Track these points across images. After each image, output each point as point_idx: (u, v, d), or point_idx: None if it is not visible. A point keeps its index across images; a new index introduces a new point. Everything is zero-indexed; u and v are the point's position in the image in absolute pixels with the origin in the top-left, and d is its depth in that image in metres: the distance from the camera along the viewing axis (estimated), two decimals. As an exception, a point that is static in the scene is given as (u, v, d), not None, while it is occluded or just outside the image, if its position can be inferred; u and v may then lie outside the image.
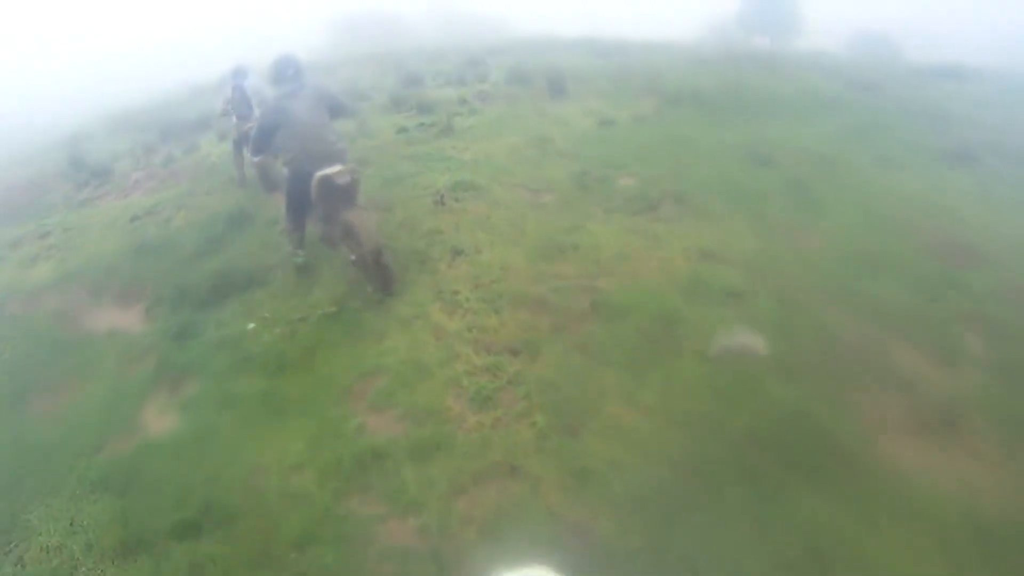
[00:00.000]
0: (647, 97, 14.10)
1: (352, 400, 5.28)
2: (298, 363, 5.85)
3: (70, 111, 26.71)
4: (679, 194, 8.55)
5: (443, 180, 9.26)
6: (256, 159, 6.72)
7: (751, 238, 7.47)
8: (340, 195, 5.83)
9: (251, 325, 6.64)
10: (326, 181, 5.69)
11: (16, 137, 24.52)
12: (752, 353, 5.43)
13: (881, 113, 13.63)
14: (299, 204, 6.26)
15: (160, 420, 5.56)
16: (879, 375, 5.10)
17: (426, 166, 10.19)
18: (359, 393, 5.34)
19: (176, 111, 19.52)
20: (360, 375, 5.53)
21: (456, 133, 12.06)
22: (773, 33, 33.53)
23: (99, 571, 4.16)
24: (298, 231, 6.70)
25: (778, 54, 22.68)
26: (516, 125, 12.47)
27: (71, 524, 4.60)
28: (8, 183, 16.34)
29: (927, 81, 18.40)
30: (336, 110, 6.20)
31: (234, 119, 10.35)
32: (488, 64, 19.44)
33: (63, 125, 23.00)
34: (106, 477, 4.95)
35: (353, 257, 6.15)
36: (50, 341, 7.26)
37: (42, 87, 33.63)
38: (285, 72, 5.92)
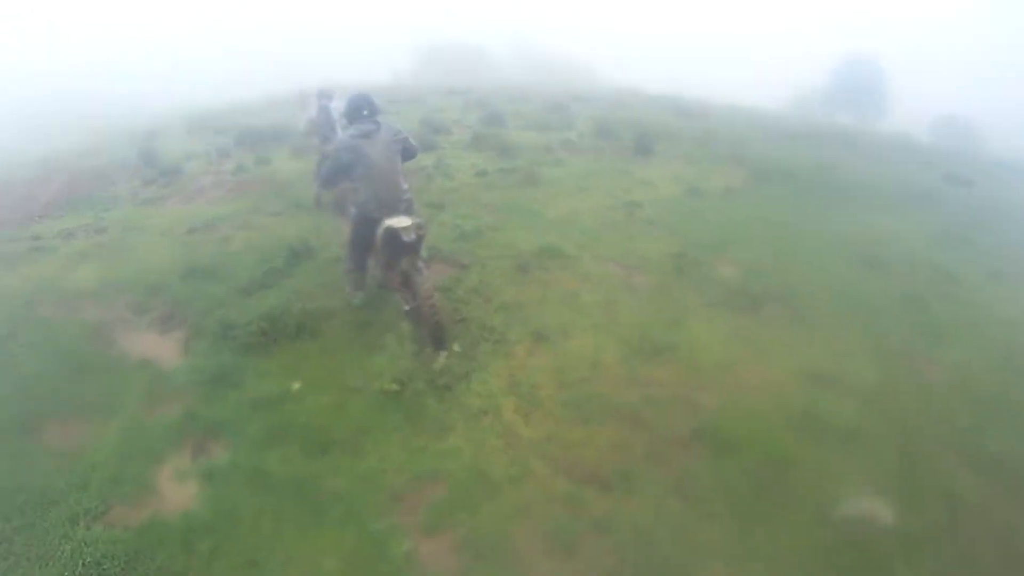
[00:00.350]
0: (734, 167, 13.31)
1: (403, 511, 4.39)
2: (345, 445, 5.01)
3: (151, 104, 26.76)
4: (784, 293, 7.67)
5: (526, 241, 8.45)
6: (319, 192, 6.87)
7: (867, 362, 6.50)
8: (404, 248, 5.69)
9: (296, 385, 5.84)
10: (392, 234, 5.59)
11: (92, 123, 24.58)
12: (877, 523, 4.53)
13: (979, 212, 12.83)
14: (363, 246, 6.16)
15: (177, 489, 4.74)
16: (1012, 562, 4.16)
17: (507, 219, 9.46)
18: (411, 503, 4.45)
19: (252, 119, 19.22)
20: (414, 478, 4.66)
21: (539, 184, 11.36)
22: (858, 111, 32.56)
23: None
24: (359, 271, 6.55)
25: (864, 134, 21.61)
26: (602, 183, 11.79)
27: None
28: (77, 169, 16.08)
29: (1017, 177, 17.41)
30: (406, 154, 6.08)
31: (317, 140, 10.41)
32: (572, 111, 18.83)
33: (141, 117, 22.94)
34: (102, 560, 4.11)
35: (407, 307, 6.02)
36: (77, 359, 6.53)
37: (126, 76, 34.04)
38: (359, 111, 5.82)
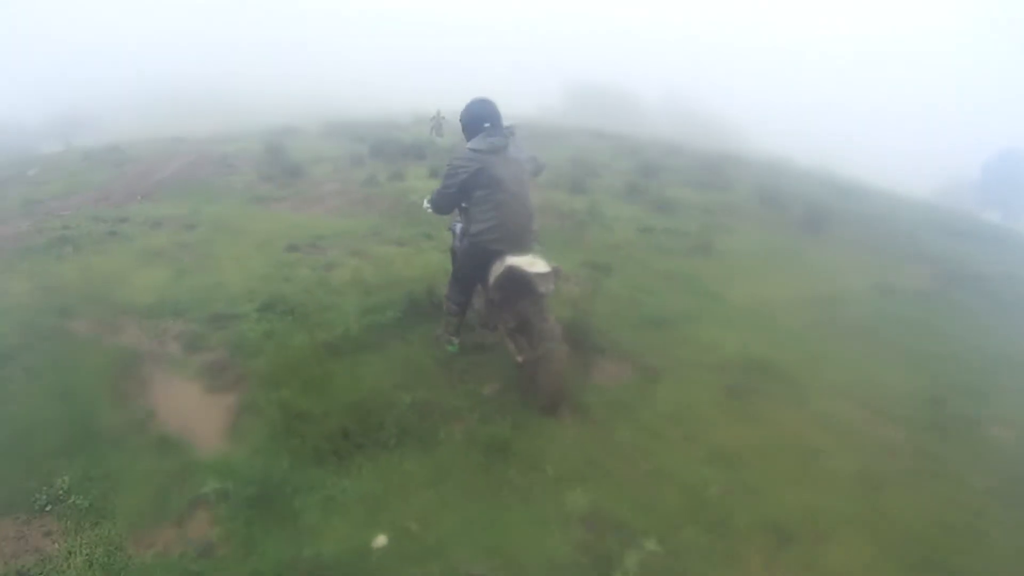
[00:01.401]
0: (916, 264, 10.41)
1: None
2: None
3: (293, 103, 25.74)
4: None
5: (729, 344, 5.92)
6: (431, 211, 5.12)
7: None
8: (528, 295, 4.52)
9: (382, 539, 3.44)
10: (518, 276, 4.45)
11: (232, 112, 23.69)
12: None
13: None
14: (470, 281, 5.08)
15: None
16: None
17: (694, 303, 7.08)
18: None
19: (394, 132, 17.45)
20: None
21: (713, 254, 8.99)
22: (1006, 208, 28.13)
23: None
24: (459, 313, 5.21)
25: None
26: (781, 262, 9.31)
27: None
28: (201, 153, 14.67)
29: None
30: (535, 175, 5.06)
31: None
32: (726, 172, 16.31)
33: (281, 113, 21.75)
34: None
35: (520, 359, 4.68)
36: (79, 413, 4.50)
37: (278, 72, 33.51)
38: (481, 122, 4.73)
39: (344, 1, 47.98)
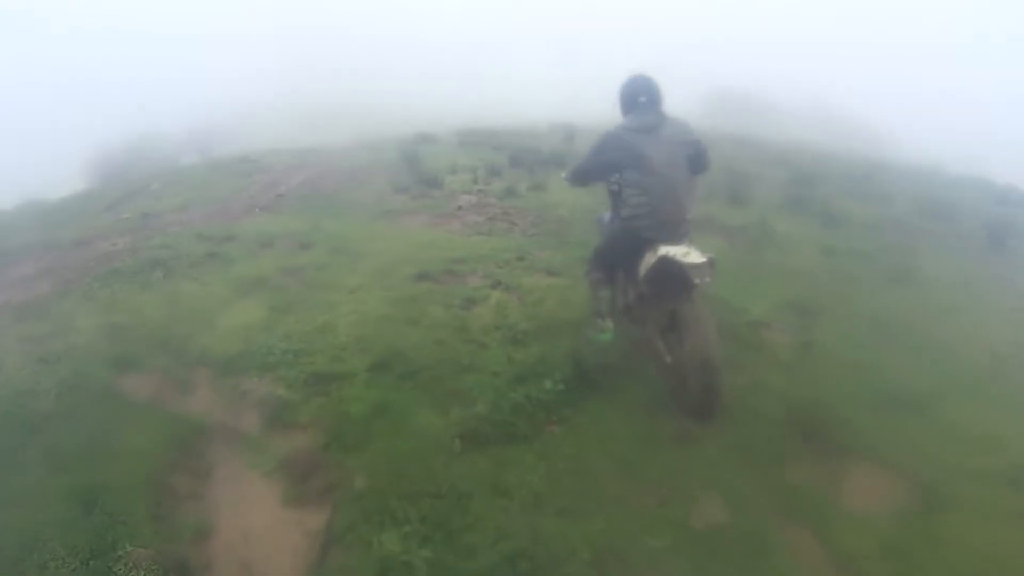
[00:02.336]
0: None
1: None
2: None
3: (426, 109, 24.63)
4: None
5: (1011, 439, 4.08)
6: (571, 185, 4.77)
7: None
8: (681, 286, 3.84)
9: None
10: (672, 266, 3.86)
11: (366, 122, 22.84)
12: None
13: None
14: (612, 261, 4.54)
15: None
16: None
17: (930, 364, 5.11)
18: None
19: (531, 141, 15.80)
20: None
21: (911, 284, 6.99)
22: None
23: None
24: (606, 287, 4.63)
25: None
26: (992, 298, 7.16)
27: None
28: (332, 164, 13.56)
29: None
30: (696, 163, 4.30)
31: None
32: (882, 182, 14.01)
33: (415, 121, 20.61)
34: None
35: (669, 359, 4.07)
36: (108, 529, 3.03)
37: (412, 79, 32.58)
38: (636, 97, 4.24)
39: (486, 7, 47.22)
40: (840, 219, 9.49)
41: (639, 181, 4.08)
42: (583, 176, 4.58)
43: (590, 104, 25.41)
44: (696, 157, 4.29)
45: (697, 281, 3.80)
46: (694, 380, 3.79)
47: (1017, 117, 30.88)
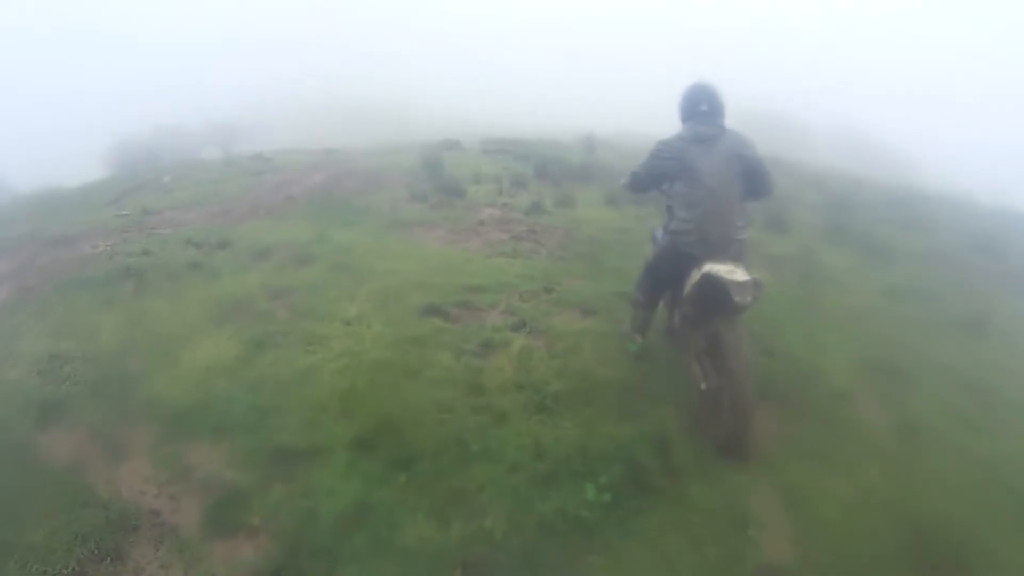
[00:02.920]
0: None
1: None
2: None
3: (458, 119, 23.45)
4: None
5: None
6: (625, 187, 4.31)
7: None
8: (726, 308, 3.49)
9: None
10: (716, 286, 3.51)
11: (397, 124, 21.75)
12: None
13: None
14: (660, 280, 4.20)
15: None
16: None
17: None
18: None
19: (558, 152, 14.68)
20: None
21: (991, 335, 5.85)
22: None
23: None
24: (647, 309, 4.38)
25: None
26: None
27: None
28: (350, 166, 12.50)
29: None
30: (754, 181, 3.85)
31: None
32: (917, 210, 12.66)
33: (444, 128, 19.48)
34: None
35: (704, 385, 3.69)
36: None
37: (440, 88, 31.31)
38: (697, 105, 3.91)
39: (516, 14, 45.90)
40: (886, 250, 8.40)
41: (687, 194, 3.77)
42: (638, 183, 4.17)
43: (615, 115, 24.23)
44: (753, 175, 3.85)
45: (738, 299, 3.45)
46: (727, 408, 3.45)
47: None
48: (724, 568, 2.65)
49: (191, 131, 21.56)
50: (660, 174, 3.97)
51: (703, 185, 3.71)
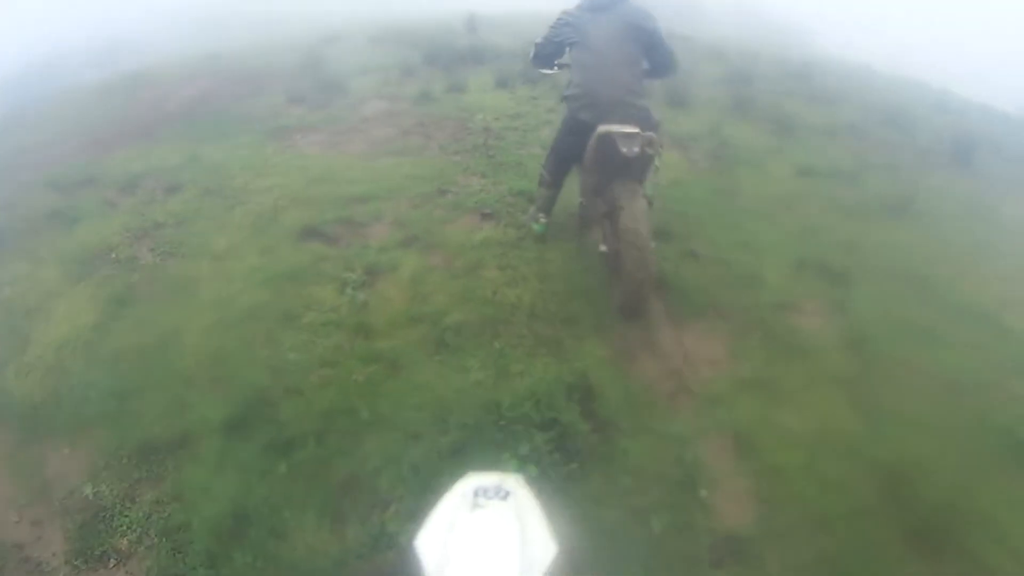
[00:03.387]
0: None
1: None
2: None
3: (345, 11, 21.00)
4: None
5: None
6: (539, 70, 3.80)
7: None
8: (621, 165, 3.27)
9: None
10: (607, 141, 3.24)
11: (283, 23, 19.34)
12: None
13: None
14: (564, 155, 3.82)
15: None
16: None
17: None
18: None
19: (448, 37, 13.27)
20: None
21: (917, 219, 5.13)
22: None
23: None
24: (552, 188, 3.99)
25: None
26: (1002, 237, 5.25)
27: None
28: (228, 72, 10.98)
29: None
30: (655, 55, 3.54)
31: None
32: (820, 82, 11.57)
33: (331, 22, 17.40)
34: None
35: (604, 248, 3.53)
36: None
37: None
38: None
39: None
40: (794, 126, 7.57)
41: (579, 58, 3.50)
42: (541, 53, 3.74)
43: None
44: (653, 49, 3.52)
45: (624, 150, 3.19)
46: (624, 280, 3.21)
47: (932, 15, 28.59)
48: (675, 543, 2.15)
49: (71, 56, 18.62)
50: (559, 42, 3.61)
51: (592, 48, 3.43)
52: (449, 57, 10.44)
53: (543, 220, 4.03)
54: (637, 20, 3.47)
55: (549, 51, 3.69)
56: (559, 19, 3.59)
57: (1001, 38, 26.25)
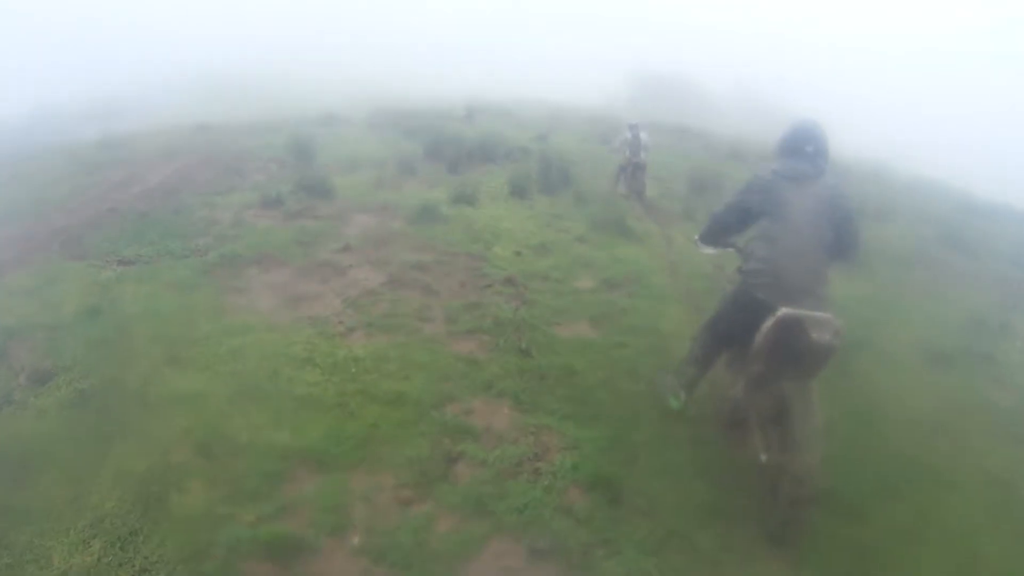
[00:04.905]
0: None
1: None
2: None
3: (344, 91, 18.98)
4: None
5: None
6: (703, 249, 2.95)
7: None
8: (803, 358, 2.42)
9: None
10: (792, 325, 2.40)
11: (282, 98, 17.40)
12: None
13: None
14: (725, 334, 2.85)
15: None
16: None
17: None
18: None
19: (450, 124, 11.42)
20: None
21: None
22: None
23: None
24: (700, 368, 2.99)
25: None
26: None
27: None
28: (210, 152, 9.06)
29: None
30: (843, 234, 2.62)
31: (627, 153, 7.57)
32: (860, 190, 9.69)
33: (329, 101, 15.48)
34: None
35: (764, 457, 2.56)
36: None
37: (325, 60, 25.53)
38: (802, 145, 2.66)
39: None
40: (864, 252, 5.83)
41: (769, 229, 2.56)
42: (717, 230, 2.82)
43: (505, 83, 20.56)
44: (844, 228, 2.57)
45: (815, 336, 2.33)
46: (781, 502, 2.33)
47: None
48: None
49: (66, 111, 16.42)
50: (744, 210, 2.70)
51: (788, 221, 2.54)
52: (454, 152, 8.49)
53: (683, 397, 3.01)
54: (837, 198, 2.63)
55: (730, 222, 2.80)
56: (750, 184, 2.72)
57: (995, 128, 25.20)
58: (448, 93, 14.34)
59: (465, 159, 8.29)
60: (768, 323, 2.47)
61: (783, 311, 2.43)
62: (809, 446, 2.34)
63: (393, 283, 4.12)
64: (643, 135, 7.50)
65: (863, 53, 34.60)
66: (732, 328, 2.77)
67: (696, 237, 2.96)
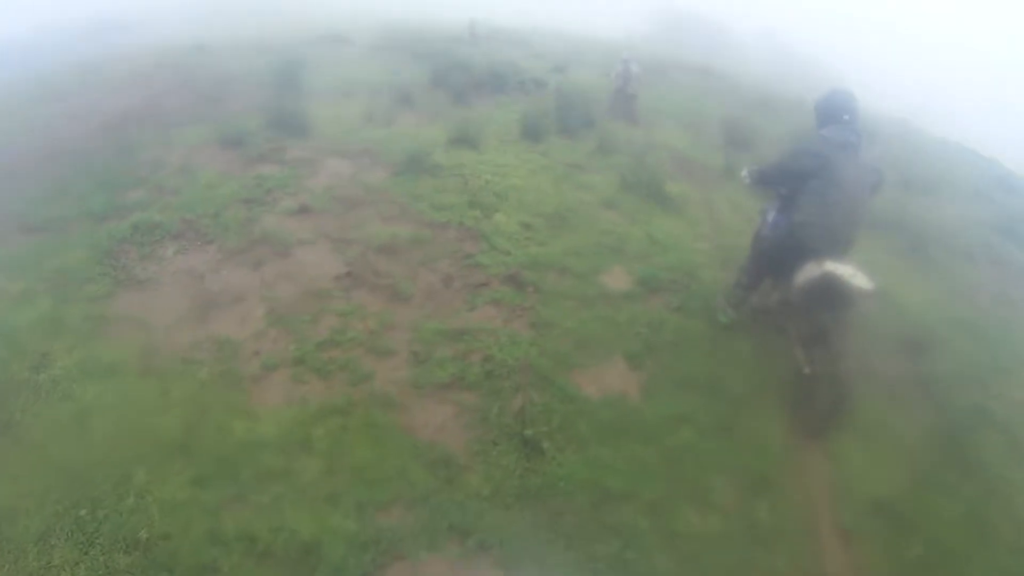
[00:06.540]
0: None
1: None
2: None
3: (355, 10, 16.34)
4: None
5: None
6: (748, 182, 2.90)
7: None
8: (839, 306, 2.51)
9: None
10: (835, 285, 2.43)
11: (294, 16, 15.00)
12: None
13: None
14: (767, 268, 2.91)
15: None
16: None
17: None
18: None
19: (456, 48, 9.39)
20: None
21: None
22: None
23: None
24: (745, 291, 3.03)
25: None
26: None
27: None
28: (190, 76, 7.39)
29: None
30: (872, 187, 2.72)
31: (620, 83, 6.74)
32: (896, 152, 7.61)
33: (336, 20, 13.20)
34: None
35: (808, 370, 2.59)
36: None
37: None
38: (839, 114, 2.69)
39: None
40: (925, 240, 4.36)
41: (822, 191, 2.58)
42: (768, 180, 2.85)
43: (524, 12, 17.66)
44: (874, 185, 2.70)
45: (855, 284, 2.43)
46: (822, 407, 2.48)
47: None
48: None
49: (78, 27, 14.29)
50: (797, 172, 2.65)
51: (843, 189, 2.57)
52: (461, 79, 6.69)
53: (731, 314, 3.01)
54: (873, 163, 2.77)
55: (777, 180, 2.77)
56: (799, 148, 2.71)
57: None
58: (467, 17, 11.94)
59: (473, 89, 6.53)
60: (814, 273, 2.48)
61: (830, 267, 2.44)
62: (845, 358, 2.44)
63: (349, 278, 2.66)
64: (634, 67, 6.83)
65: (888, 13, 30.23)
66: (777, 266, 2.78)
67: (744, 173, 2.90)
